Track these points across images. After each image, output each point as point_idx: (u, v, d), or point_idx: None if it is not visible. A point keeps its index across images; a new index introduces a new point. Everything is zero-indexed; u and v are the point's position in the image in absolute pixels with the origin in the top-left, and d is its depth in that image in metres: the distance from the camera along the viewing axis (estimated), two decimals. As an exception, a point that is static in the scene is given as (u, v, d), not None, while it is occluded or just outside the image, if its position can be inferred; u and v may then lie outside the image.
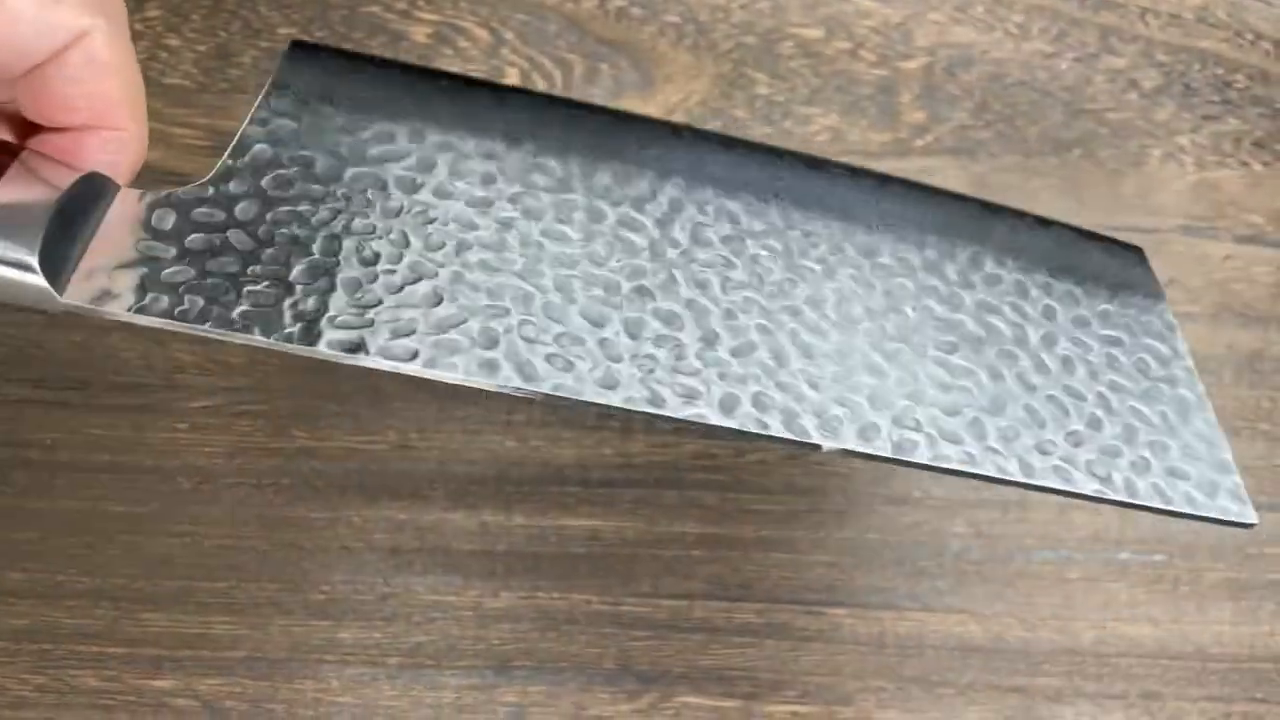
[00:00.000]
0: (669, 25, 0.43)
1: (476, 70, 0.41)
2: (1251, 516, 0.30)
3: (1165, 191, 0.44)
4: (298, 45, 0.31)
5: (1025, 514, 0.41)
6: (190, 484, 0.38)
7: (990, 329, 0.31)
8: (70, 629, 0.37)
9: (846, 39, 0.44)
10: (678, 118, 0.42)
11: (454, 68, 0.41)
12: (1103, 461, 0.29)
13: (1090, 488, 0.29)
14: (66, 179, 0.25)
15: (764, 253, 0.31)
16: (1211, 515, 0.29)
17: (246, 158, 0.28)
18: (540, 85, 0.42)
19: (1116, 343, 0.32)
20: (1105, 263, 0.34)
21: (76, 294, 0.25)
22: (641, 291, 0.29)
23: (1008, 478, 0.28)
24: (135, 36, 0.41)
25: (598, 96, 0.42)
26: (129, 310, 0.25)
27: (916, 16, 0.44)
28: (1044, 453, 0.29)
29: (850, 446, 0.28)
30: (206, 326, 0.25)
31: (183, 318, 0.25)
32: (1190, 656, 0.40)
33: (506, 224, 0.29)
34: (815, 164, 0.34)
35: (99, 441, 0.38)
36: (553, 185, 0.30)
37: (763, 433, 0.27)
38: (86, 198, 0.26)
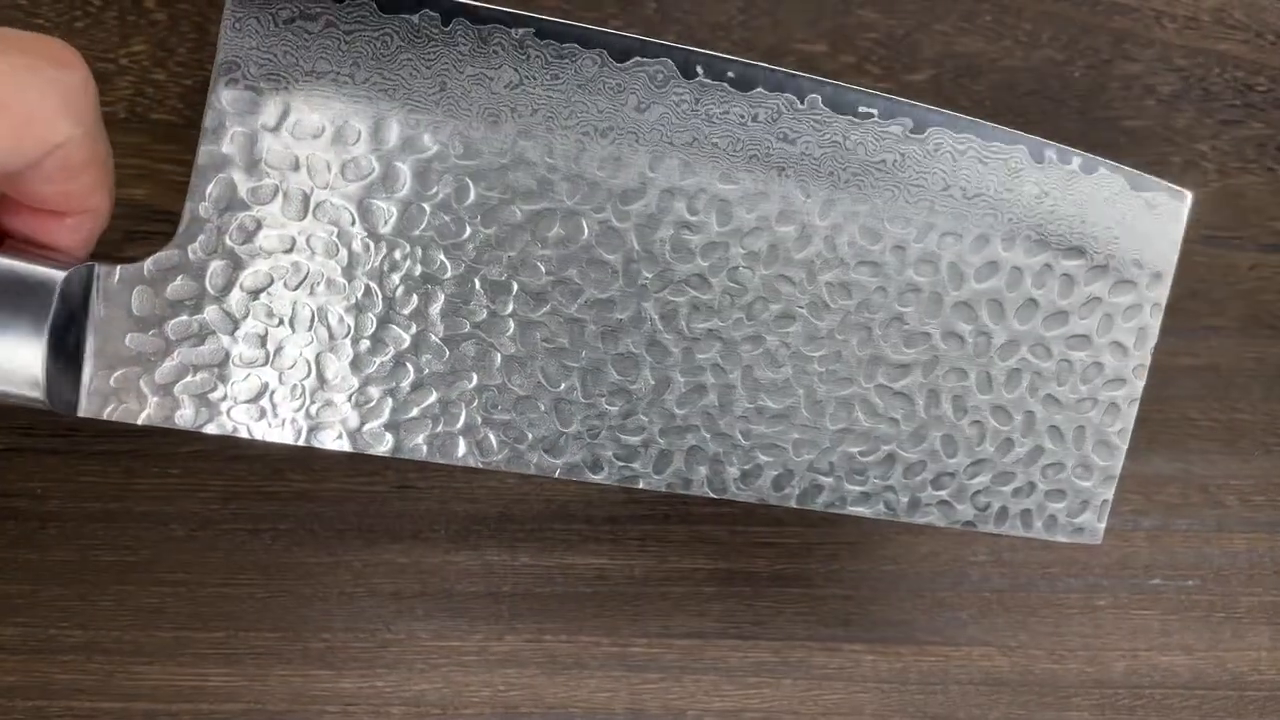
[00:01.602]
0: (667, 44, 0.42)
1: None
2: (1098, 537, 0.33)
3: (1186, 200, 0.42)
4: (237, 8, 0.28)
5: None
6: (184, 531, 0.37)
7: (954, 340, 0.31)
8: (64, 685, 0.36)
9: (851, 53, 0.42)
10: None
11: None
12: (989, 490, 0.32)
13: (964, 519, 0.32)
14: (47, 280, 0.26)
15: (744, 265, 0.30)
16: (1060, 538, 0.32)
17: (209, 200, 0.27)
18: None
19: (1082, 343, 0.32)
20: (1133, 226, 0.32)
21: (89, 410, 0.27)
22: (605, 335, 0.29)
23: (885, 518, 0.31)
24: (120, 72, 0.40)
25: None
26: (138, 421, 0.27)
27: (922, 27, 0.43)
28: (938, 486, 0.31)
29: (761, 500, 0.30)
30: (205, 429, 0.28)
31: (183, 422, 0.28)
32: (1227, 685, 0.39)
33: (473, 264, 0.29)
34: (844, 105, 0.30)
35: (89, 489, 0.37)
36: (530, 188, 0.29)
37: (685, 491, 0.30)
38: (71, 306, 0.27)
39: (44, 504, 0.37)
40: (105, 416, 0.27)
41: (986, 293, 0.31)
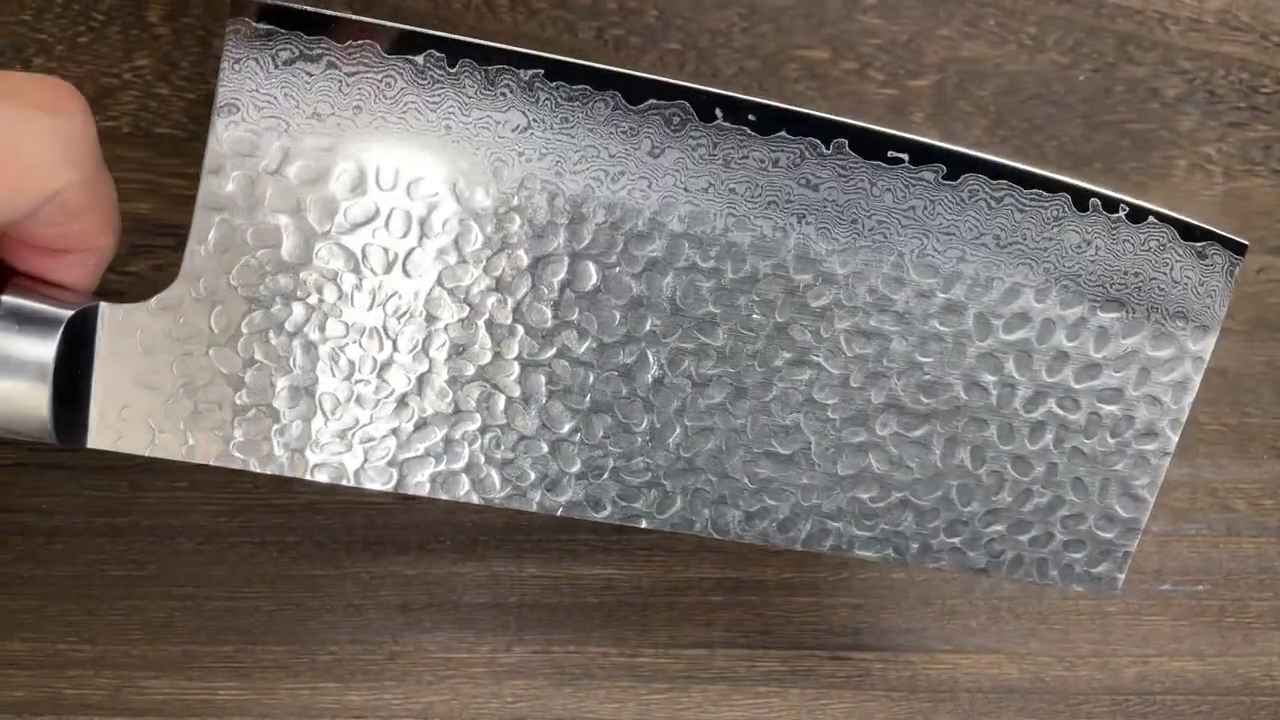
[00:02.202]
0: (670, 53, 0.41)
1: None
2: (1116, 586, 0.31)
3: (1193, 204, 0.42)
4: (236, 31, 0.26)
5: (1059, 546, 0.39)
6: (191, 544, 0.37)
7: (977, 390, 0.30)
8: (72, 699, 0.36)
9: (854, 59, 0.42)
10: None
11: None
12: (1005, 538, 0.31)
13: (976, 566, 0.30)
14: (53, 318, 0.26)
15: (756, 312, 0.29)
16: (1076, 586, 0.31)
17: (210, 241, 0.27)
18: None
19: (1115, 396, 0.30)
20: (1179, 279, 0.30)
21: (97, 442, 0.27)
22: (610, 379, 0.29)
23: (893, 561, 0.30)
24: (124, 87, 0.40)
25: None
26: (144, 452, 0.28)
27: (925, 33, 0.43)
28: (951, 534, 0.30)
29: (766, 541, 0.30)
30: (210, 462, 0.28)
31: (190, 455, 0.28)
32: (1239, 691, 0.38)
33: (478, 307, 0.28)
34: (871, 150, 0.28)
35: (96, 504, 0.37)
36: (532, 233, 0.28)
37: (688, 531, 0.29)
38: (77, 343, 0.27)
39: (50, 519, 0.37)
40: (114, 448, 0.28)
41: (1015, 344, 0.30)
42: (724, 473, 0.29)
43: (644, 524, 0.29)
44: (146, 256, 0.38)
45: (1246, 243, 0.31)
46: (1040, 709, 0.38)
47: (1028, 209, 0.29)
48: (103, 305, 0.27)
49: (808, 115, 0.28)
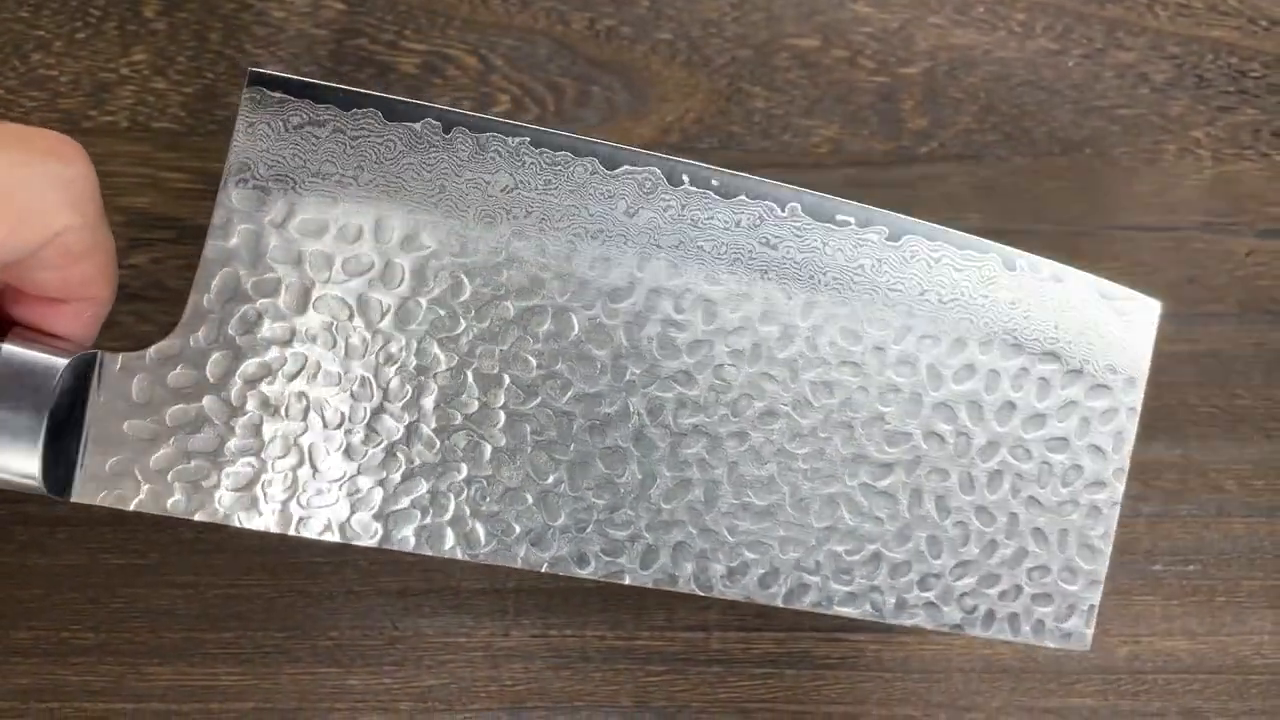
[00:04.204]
0: (661, 43, 0.42)
1: (468, 99, 0.41)
2: (1086, 643, 0.32)
3: (1182, 188, 0.42)
4: (252, 99, 0.29)
5: (1051, 528, 0.39)
6: (192, 533, 0.37)
7: (935, 440, 0.31)
8: (76, 686, 0.36)
9: (844, 47, 0.42)
10: (673, 137, 0.41)
11: (444, 97, 0.41)
12: (976, 592, 0.32)
13: (952, 622, 0.32)
14: (49, 368, 0.27)
15: (728, 362, 0.30)
16: (1049, 643, 0.32)
17: (213, 292, 0.28)
18: (533, 110, 0.41)
19: (1061, 446, 0.32)
20: (1105, 333, 0.33)
21: (81, 495, 0.28)
22: (593, 429, 0.30)
23: (871, 618, 0.31)
24: (121, 82, 0.40)
25: (591, 119, 0.41)
26: (129, 507, 0.28)
27: (915, 20, 0.43)
28: (924, 588, 0.31)
29: (748, 597, 0.31)
30: (195, 517, 0.28)
31: (175, 509, 0.28)
32: (1230, 669, 0.39)
33: (466, 357, 0.29)
34: (822, 212, 0.31)
35: (98, 494, 0.38)
36: (523, 285, 0.29)
37: (671, 588, 0.30)
38: (72, 393, 0.27)
39: (54, 509, 0.37)
40: (98, 502, 0.28)
41: (965, 394, 0.32)
42: (704, 525, 0.30)
43: (628, 580, 0.30)
44: (145, 250, 0.39)
45: (1159, 301, 0.33)
46: (1033, 689, 0.38)
47: (963, 268, 0.32)
48: (101, 354, 0.28)
49: (762, 183, 0.31)
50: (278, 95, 0.29)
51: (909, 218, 0.32)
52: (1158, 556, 0.39)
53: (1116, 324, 0.33)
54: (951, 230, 0.32)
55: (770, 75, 0.42)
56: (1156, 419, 0.40)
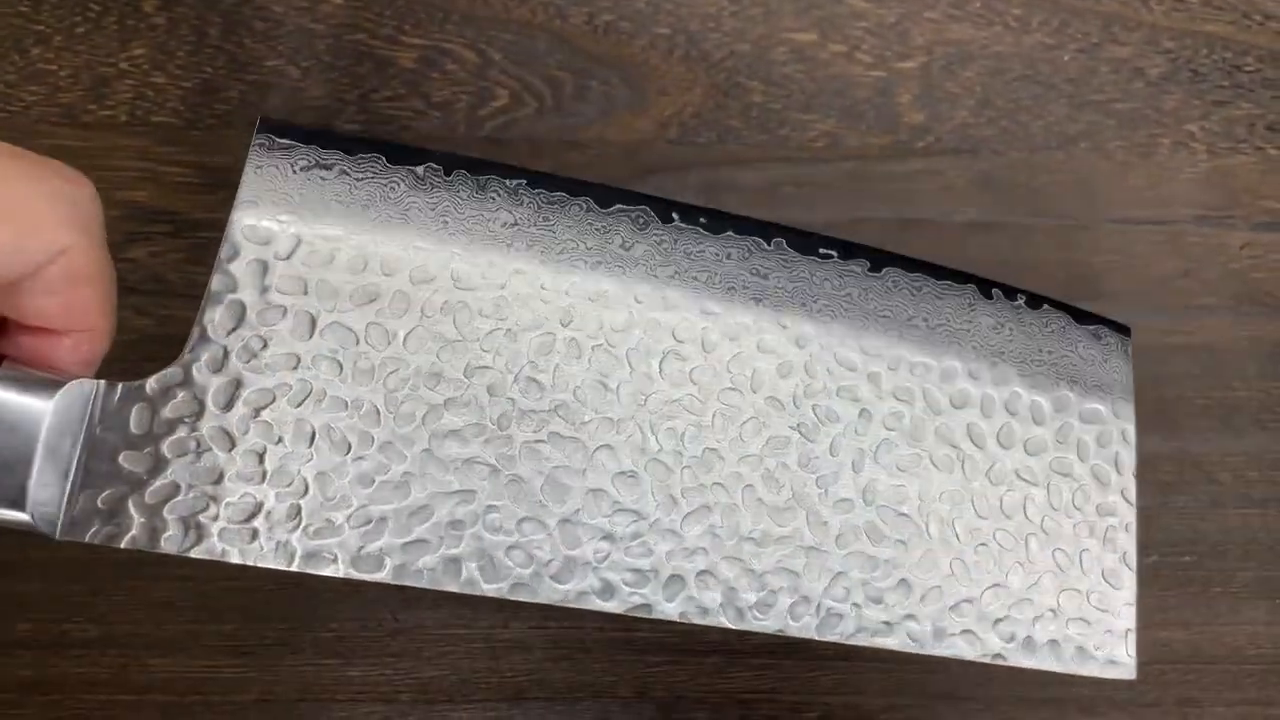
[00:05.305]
0: (659, 37, 0.42)
1: (466, 94, 0.41)
2: (1131, 672, 0.32)
3: (1177, 181, 0.43)
4: (260, 144, 0.29)
5: (1047, 520, 0.40)
6: (193, 526, 0.37)
7: (945, 464, 0.31)
8: (77, 679, 0.36)
9: (841, 42, 0.43)
10: (671, 131, 0.41)
11: (442, 91, 0.41)
12: (1011, 618, 0.31)
13: (993, 651, 0.31)
14: (41, 398, 0.26)
15: (733, 388, 0.31)
16: (1095, 673, 0.32)
17: (217, 321, 0.28)
18: (531, 105, 0.41)
19: (1065, 472, 0.32)
20: (1085, 357, 0.33)
21: (68, 534, 0.27)
22: (610, 452, 0.30)
23: (911, 650, 0.30)
24: (121, 76, 0.40)
25: (589, 113, 0.41)
26: (120, 545, 0.27)
27: (912, 15, 0.43)
28: (959, 614, 0.31)
29: (779, 629, 0.30)
30: (191, 553, 0.27)
31: (169, 544, 0.27)
32: (1225, 660, 0.39)
33: (474, 385, 0.29)
34: (803, 248, 0.32)
35: (99, 487, 0.38)
36: (530, 323, 0.30)
37: (701, 621, 0.29)
38: (65, 425, 0.26)
39: (55, 502, 0.37)
40: (87, 540, 0.27)
41: (965, 418, 0.32)
42: (727, 552, 0.30)
43: (655, 613, 0.29)
44: (144, 243, 0.39)
45: (1129, 325, 0.33)
46: (1030, 679, 0.38)
47: (945, 296, 0.32)
48: (100, 383, 0.27)
49: (746, 219, 0.32)
50: (285, 141, 0.30)
51: (888, 253, 0.32)
52: (1153, 548, 0.39)
53: (1095, 347, 0.33)
54: (929, 263, 0.32)
55: (768, 69, 0.42)
56: (1152, 412, 0.40)
